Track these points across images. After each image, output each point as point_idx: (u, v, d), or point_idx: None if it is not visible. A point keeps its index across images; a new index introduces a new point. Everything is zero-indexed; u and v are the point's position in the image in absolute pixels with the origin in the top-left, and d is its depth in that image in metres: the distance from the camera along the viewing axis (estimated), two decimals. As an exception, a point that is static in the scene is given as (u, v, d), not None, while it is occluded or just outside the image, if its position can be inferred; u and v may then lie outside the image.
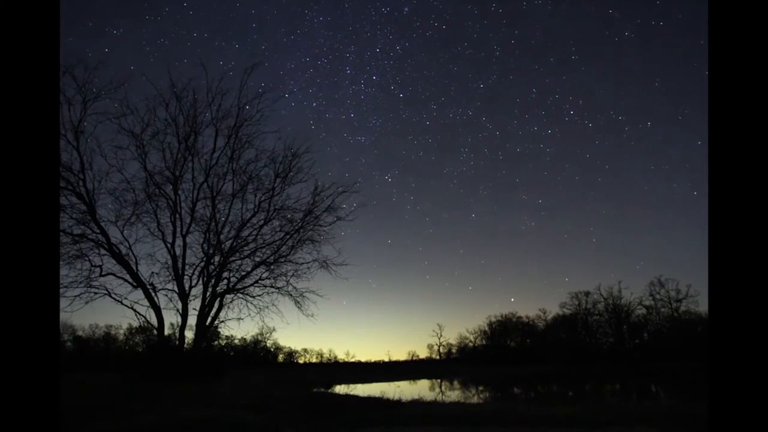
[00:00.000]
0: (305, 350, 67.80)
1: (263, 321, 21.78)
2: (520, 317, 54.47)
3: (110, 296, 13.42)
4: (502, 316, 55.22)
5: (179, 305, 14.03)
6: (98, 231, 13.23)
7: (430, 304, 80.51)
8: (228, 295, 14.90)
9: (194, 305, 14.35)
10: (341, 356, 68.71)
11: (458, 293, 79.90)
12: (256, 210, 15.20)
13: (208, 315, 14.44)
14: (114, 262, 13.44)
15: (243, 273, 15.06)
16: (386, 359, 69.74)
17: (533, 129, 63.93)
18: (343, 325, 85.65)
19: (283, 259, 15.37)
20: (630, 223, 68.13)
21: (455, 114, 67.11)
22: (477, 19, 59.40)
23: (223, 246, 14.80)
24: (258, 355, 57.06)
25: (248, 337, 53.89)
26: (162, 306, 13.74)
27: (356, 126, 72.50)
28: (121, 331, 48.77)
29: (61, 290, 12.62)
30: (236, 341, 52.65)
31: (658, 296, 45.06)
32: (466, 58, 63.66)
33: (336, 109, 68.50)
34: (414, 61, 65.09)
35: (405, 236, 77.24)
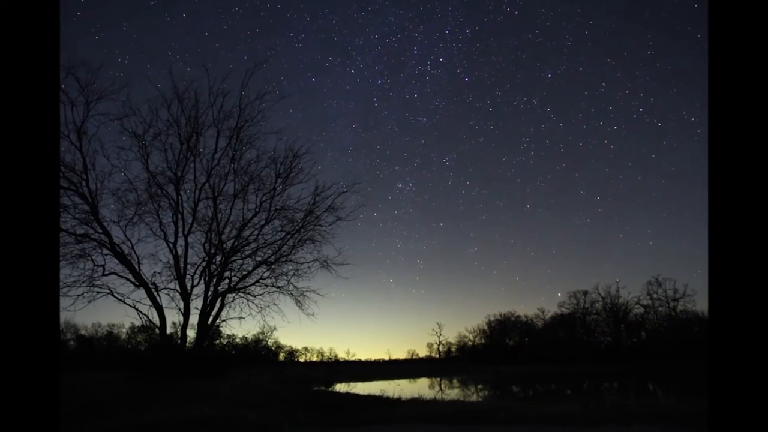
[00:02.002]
0: (306, 349, 68.15)
1: (264, 320, 21.94)
2: (518, 316, 54.69)
3: (113, 295, 13.52)
4: (501, 315, 55.44)
5: (181, 304, 14.12)
6: (101, 231, 13.31)
7: (430, 303, 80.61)
8: (229, 295, 14.97)
9: (196, 304, 14.45)
10: (342, 355, 68.99)
11: (462, 290, 79.61)
12: (257, 210, 15.27)
13: (210, 314, 14.52)
14: (116, 261, 13.53)
15: (244, 272, 15.14)
16: (386, 358, 70.05)
17: (599, 124, 61.77)
18: (344, 323, 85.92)
19: (284, 259, 15.44)
20: (630, 223, 67.48)
21: (519, 102, 65.97)
22: (551, 7, 57.06)
23: (224, 246, 14.87)
24: (259, 353, 57.33)
25: (249, 336, 54.21)
26: (164, 305, 13.82)
27: (418, 107, 70.88)
28: (124, 330, 49.10)
29: (64, 289, 12.71)
30: (238, 340, 52.96)
31: (655, 295, 45.24)
32: (536, 45, 61.73)
33: (400, 89, 68.37)
34: (482, 46, 65.01)
35: (457, 220, 76.62)
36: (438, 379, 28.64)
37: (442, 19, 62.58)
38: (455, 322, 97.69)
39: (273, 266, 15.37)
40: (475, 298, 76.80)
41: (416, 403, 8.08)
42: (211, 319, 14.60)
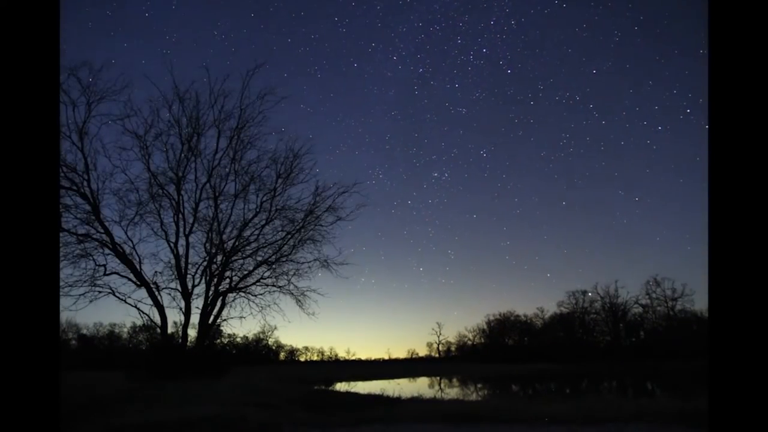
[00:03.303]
0: (306, 348, 68.51)
1: (265, 319, 22.02)
2: (518, 316, 54.79)
3: (114, 295, 13.60)
4: (500, 315, 55.55)
5: (182, 304, 14.18)
6: (102, 231, 13.38)
7: (430, 302, 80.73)
8: (230, 294, 15.04)
9: (197, 304, 14.51)
10: (342, 354, 69.41)
11: (460, 290, 79.07)
12: (257, 210, 15.33)
13: (211, 313, 14.57)
14: (118, 261, 13.60)
15: (245, 272, 15.21)
16: (386, 357, 70.41)
17: (642, 123, 58.80)
18: (345, 323, 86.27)
19: (284, 259, 15.51)
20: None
21: (562, 97, 64.08)
22: (600, 1, 54.45)
23: (225, 245, 14.91)
24: (260, 353, 57.63)
25: (250, 336, 54.54)
26: (165, 305, 13.91)
27: (459, 97, 69.97)
28: (125, 330, 49.36)
29: (66, 289, 12.78)
30: (238, 339, 53.24)
31: (654, 295, 45.37)
32: (582, 40, 58.92)
33: (441, 78, 66.83)
34: (527, 38, 62.24)
35: (491, 214, 76.27)
36: (438, 378, 28.70)
37: (487, 9, 61.25)
38: (455, 321, 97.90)
39: (273, 266, 15.44)
40: (483, 296, 76.61)
41: (416, 402, 8.11)
42: (212, 318, 14.65)
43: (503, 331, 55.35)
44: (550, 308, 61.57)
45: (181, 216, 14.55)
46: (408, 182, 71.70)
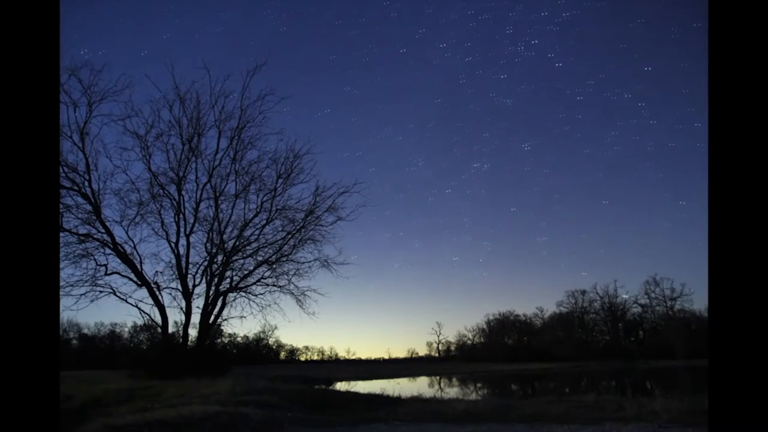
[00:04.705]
0: (307, 348, 68.69)
1: (265, 319, 22.05)
2: (517, 315, 54.85)
3: (115, 295, 13.66)
4: (500, 315, 55.61)
5: (183, 303, 14.23)
6: (103, 231, 13.42)
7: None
8: (231, 294, 15.08)
9: (198, 303, 14.55)
10: (342, 354, 69.56)
11: (459, 290, 78.92)
12: (258, 210, 15.36)
13: (212, 313, 14.60)
14: (119, 261, 13.65)
15: (245, 272, 15.26)
16: (386, 357, 70.61)
17: (696, 125, 53.96)
18: (345, 322, 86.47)
19: (284, 259, 15.54)
20: (625, 222, 65.10)
21: (612, 94, 60.46)
22: None
23: (225, 245, 14.94)
24: (260, 352, 57.78)
25: (251, 335, 54.65)
26: (166, 304, 13.97)
27: (505, 88, 67.65)
28: (126, 329, 49.47)
29: (67, 288, 12.83)
30: (239, 339, 53.35)
31: (653, 295, 45.49)
32: (637, 36, 56.08)
33: (488, 68, 65.24)
34: (579, 32, 59.53)
35: (529, 208, 74.19)
36: (437, 377, 28.76)
37: (540, 0, 58.77)
38: (456, 320, 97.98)
39: (274, 266, 15.46)
40: (491, 294, 75.25)
41: (416, 401, 8.12)
42: (212, 318, 14.68)
43: (503, 331, 55.42)
44: (550, 308, 61.58)
45: (181, 216, 14.59)
46: (447, 171, 70.00)
